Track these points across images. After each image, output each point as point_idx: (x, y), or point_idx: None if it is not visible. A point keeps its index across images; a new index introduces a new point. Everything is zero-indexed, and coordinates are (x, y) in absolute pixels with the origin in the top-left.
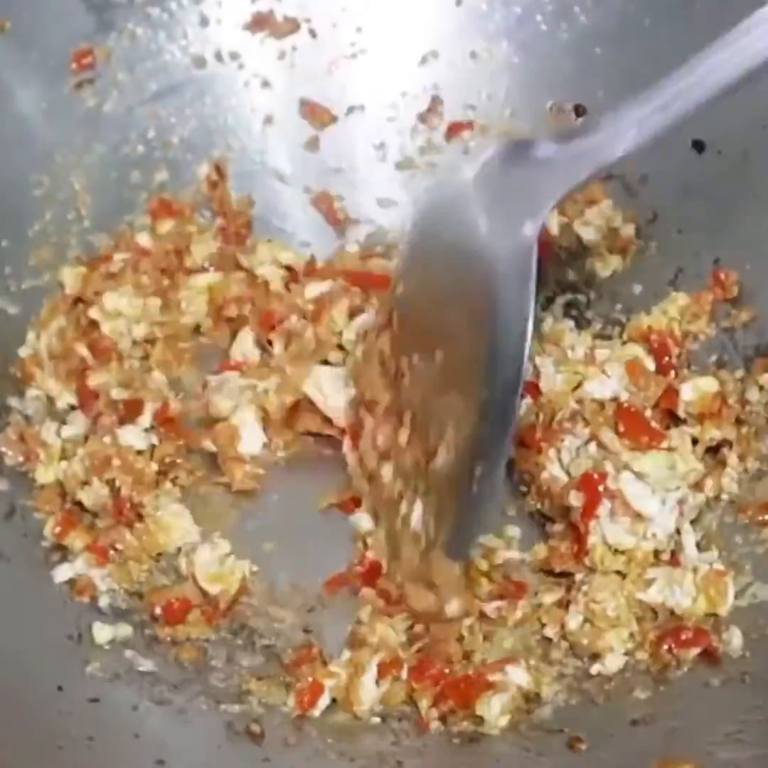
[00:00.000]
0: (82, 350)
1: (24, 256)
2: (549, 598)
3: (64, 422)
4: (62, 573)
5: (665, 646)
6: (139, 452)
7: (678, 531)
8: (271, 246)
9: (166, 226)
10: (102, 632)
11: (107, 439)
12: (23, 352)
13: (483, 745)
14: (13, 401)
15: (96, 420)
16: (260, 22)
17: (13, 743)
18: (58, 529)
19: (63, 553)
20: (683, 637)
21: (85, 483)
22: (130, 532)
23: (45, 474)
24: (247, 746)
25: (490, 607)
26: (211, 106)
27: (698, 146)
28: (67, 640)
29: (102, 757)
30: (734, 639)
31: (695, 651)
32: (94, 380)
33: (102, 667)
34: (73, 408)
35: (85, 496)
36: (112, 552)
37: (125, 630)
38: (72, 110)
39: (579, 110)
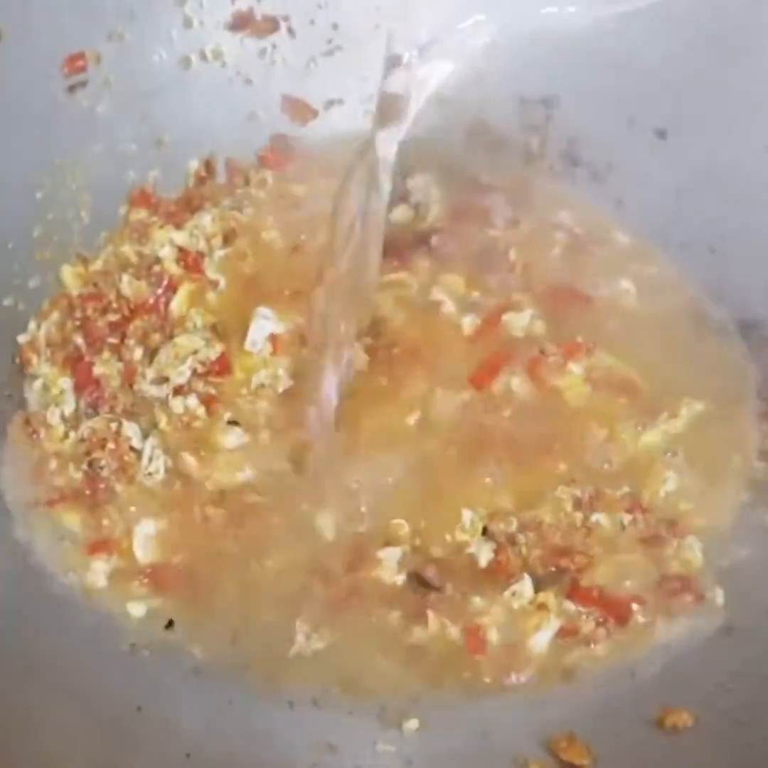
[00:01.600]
0: (78, 339)
1: (29, 255)
2: None
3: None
4: None
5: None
6: (132, 449)
7: None
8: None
9: (140, 214)
10: (136, 607)
11: (113, 427)
12: (22, 338)
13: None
14: (23, 391)
15: (95, 405)
16: (240, 22)
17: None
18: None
19: None
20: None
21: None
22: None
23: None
24: None
25: None
26: (198, 105)
27: (661, 134)
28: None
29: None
30: (718, 596)
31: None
32: (99, 369)
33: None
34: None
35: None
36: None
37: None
38: (67, 113)
39: (548, 102)
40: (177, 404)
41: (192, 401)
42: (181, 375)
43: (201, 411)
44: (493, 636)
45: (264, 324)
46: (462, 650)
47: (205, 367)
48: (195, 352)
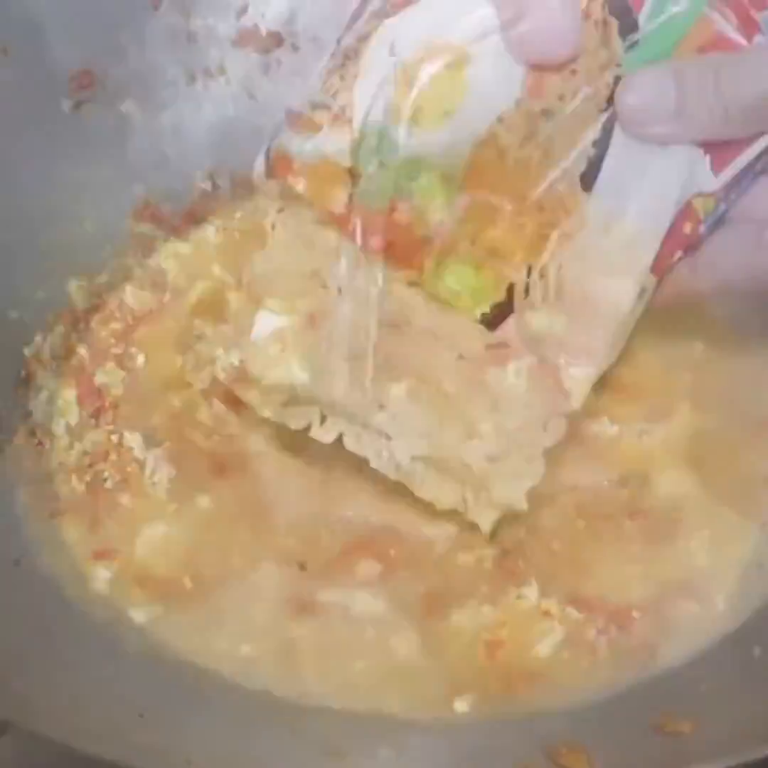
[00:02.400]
0: (82, 351)
1: (36, 268)
2: None
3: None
4: None
5: None
6: (135, 459)
7: None
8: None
9: (145, 227)
10: (138, 614)
11: (115, 438)
12: (27, 351)
13: None
14: (29, 402)
15: (97, 415)
16: (245, 38)
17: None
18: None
19: None
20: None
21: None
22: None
23: (47, 463)
24: None
25: None
26: (203, 120)
27: None
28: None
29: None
30: (719, 601)
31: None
32: (100, 379)
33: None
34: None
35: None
36: None
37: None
38: (73, 128)
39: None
40: (202, 412)
41: (219, 407)
42: (201, 382)
43: (231, 417)
44: (507, 643)
45: (270, 316)
46: (477, 658)
47: (227, 373)
48: (215, 360)
